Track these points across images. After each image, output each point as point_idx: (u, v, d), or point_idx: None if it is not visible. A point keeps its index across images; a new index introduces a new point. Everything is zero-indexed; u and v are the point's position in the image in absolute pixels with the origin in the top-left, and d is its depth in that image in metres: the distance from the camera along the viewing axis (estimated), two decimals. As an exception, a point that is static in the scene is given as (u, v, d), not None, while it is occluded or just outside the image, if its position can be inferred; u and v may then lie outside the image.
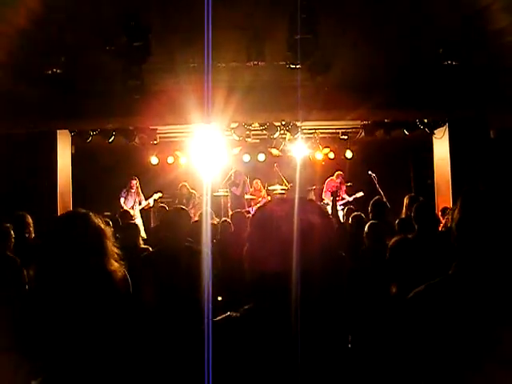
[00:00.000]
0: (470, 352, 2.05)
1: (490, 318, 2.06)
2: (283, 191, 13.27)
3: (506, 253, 2.12)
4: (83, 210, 2.55)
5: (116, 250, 2.51)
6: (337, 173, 13.23)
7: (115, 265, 2.45)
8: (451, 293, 2.13)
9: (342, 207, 12.83)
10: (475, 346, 2.04)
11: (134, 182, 12.54)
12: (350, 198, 12.72)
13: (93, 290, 2.32)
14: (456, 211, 2.24)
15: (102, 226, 2.51)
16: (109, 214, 9.71)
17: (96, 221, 2.50)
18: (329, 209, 11.64)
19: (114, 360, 2.32)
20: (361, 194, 12.61)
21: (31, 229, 6.38)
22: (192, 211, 11.90)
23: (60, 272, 2.31)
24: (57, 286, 2.30)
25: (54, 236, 2.44)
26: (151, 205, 12.84)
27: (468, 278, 2.13)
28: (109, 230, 2.53)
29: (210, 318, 1.86)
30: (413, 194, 7.63)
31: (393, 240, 3.65)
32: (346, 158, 13.53)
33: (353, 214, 7.12)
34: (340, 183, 13.16)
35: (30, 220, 6.41)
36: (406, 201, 7.35)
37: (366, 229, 5.77)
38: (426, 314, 2.13)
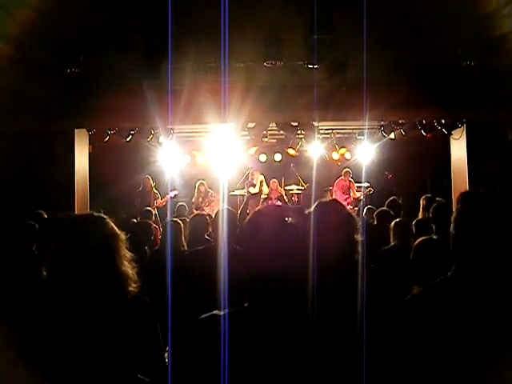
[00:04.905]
0: (466, 354, 2.06)
1: (486, 320, 2.07)
2: (299, 191, 13.24)
3: (503, 255, 2.12)
4: (97, 214, 2.56)
5: (128, 254, 2.52)
6: (344, 170, 13.15)
7: (126, 269, 2.45)
8: (448, 295, 2.14)
9: (352, 206, 12.83)
10: (471, 347, 2.05)
11: (147, 181, 12.59)
12: (362, 195, 12.68)
13: (101, 295, 2.33)
14: (455, 214, 2.24)
15: (116, 230, 2.52)
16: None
17: (109, 225, 2.51)
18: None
19: (123, 364, 2.34)
20: (366, 184, 12.55)
21: None
22: (207, 209, 11.94)
23: (69, 275, 2.33)
24: (65, 291, 2.32)
25: (64, 238, 2.45)
26: (167, 200, 12.86)
27: (465, 280, 2.14)
28: (122, 235, 2.53)
29: (227, 311, 1.87)
30: (429, 195, 7.54)
31: (418, 240, 3.64)
32: (362, 159, 13.47)
33: (376, 211, 7.02)
34: (350, 182, 13.10)
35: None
36: (422, 202, 7.26)
37: (392, 226, 5.71)
38: (423, 316, 2.16)
